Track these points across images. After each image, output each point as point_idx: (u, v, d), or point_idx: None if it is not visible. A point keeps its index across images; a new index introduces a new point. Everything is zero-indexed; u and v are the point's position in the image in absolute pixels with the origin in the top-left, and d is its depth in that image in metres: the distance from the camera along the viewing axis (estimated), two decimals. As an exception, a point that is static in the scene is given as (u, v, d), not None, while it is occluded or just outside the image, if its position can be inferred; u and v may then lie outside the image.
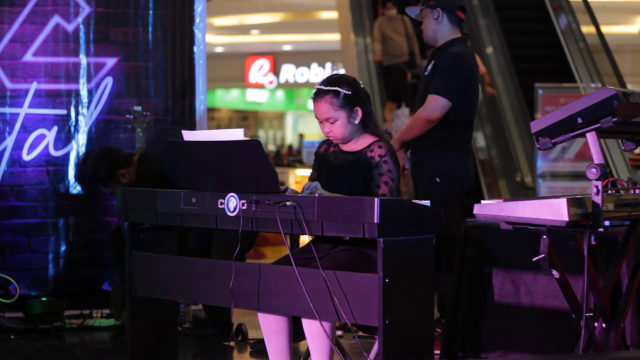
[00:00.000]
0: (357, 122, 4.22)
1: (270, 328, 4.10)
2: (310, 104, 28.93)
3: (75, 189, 6.53)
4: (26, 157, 6.42)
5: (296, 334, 4.17)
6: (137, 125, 6.08)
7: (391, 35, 12.24)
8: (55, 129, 6.47)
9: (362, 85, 4.27)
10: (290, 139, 31.43)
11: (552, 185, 10.75)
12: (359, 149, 4.24)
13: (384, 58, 12.38)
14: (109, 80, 6.55)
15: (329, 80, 4.23)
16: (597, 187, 3.80)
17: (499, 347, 4.92)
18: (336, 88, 4.18)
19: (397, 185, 4.17)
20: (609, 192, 3.97)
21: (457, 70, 5.42)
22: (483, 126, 12.07)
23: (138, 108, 6.14)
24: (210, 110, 27.08)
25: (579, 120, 3.91)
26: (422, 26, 5.59)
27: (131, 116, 6.14)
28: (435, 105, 5.37)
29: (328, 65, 26.05)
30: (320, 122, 4.24)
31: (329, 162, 4.32)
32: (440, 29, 5.53)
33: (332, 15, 18.87)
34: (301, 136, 27.81)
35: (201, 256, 5.40)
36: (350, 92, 4.18)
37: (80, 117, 6.52)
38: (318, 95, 4.21)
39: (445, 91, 5.37)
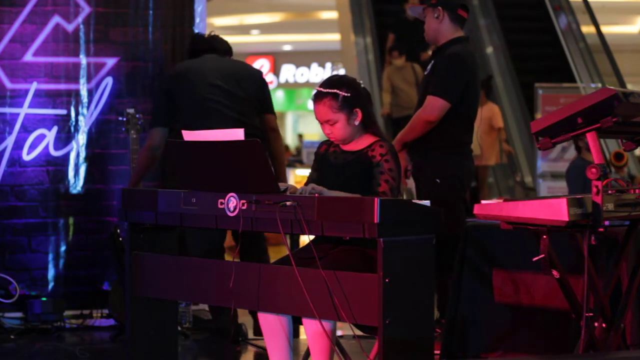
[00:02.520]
0: (356, 123, 4.21)
1: (271, 328, 4.10)
2: (310, 104, 28.99)
3: (75, 189, 6.52)
4: (26, 157, 6.41)
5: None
6: (131, 127, 6.06)
7: (401, 86, 11.70)
8: (55, 129, 6.46)
9: (362, 86, 4.27)
10: (290, 139, 31.41)
11: (552, 185, 10.76)
12: (359, 148, 4.23)
13: (394, 110, 11.75)
14: (109, 80, 6.54)
15: (328, 83, 4.23)
16: (597, 187, 3.80)
17: (499, 347, 4.92)
18: (335, 90, 4.18)
19: (398, 184, 4.17)
20: (609, 192, 3.97)
21: (456, 71, 5.40)
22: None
23: (131, 110, 6.12)
24: (211, 110, 26.96)
25: (579, 120, 3.91)
26: (424, 25, 5.58)
27: (124, 118, 6.13)
28: (434, 106, 5.36)
29: (328, 65, 26.05)
30: (321, 123, 4.24)
31: (328, 162, 4.32)
32: (442, 28, 5.50)
33: (332, 15, 18.86)
34: (301, 136, 27.79)
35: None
36: (349, 94, 4.17)
37: (80, 117, 6.51)
38: (317, 97, 4.21)
39: (443, 92, 5.36)
